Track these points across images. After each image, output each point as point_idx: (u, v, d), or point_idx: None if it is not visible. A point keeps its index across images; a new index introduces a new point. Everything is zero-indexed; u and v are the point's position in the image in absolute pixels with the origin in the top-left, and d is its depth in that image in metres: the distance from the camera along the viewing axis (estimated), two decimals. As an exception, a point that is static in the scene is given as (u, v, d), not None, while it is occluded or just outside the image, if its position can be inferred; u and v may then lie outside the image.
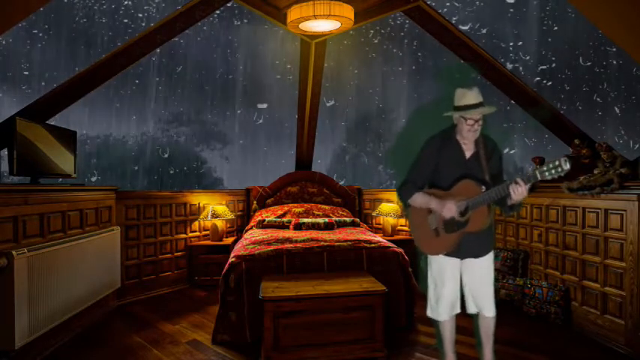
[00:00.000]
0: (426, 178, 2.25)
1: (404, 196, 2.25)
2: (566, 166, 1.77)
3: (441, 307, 2.30)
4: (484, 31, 9.31)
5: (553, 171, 1.80)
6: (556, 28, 9.07)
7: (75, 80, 3.39)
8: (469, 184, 2.11)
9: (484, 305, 2.27)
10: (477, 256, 2.23)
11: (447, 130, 2.26)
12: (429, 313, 2.38)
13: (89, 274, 3.20)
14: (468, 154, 2.20)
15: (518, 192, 1.92)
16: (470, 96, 2.09)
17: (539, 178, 1.86)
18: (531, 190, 2.00)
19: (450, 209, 2.09)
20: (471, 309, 2.33)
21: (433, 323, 2.42)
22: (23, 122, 2.89)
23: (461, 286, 2.33)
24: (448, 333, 2.37)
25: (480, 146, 2.18)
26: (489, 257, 2.27)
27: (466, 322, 2.40)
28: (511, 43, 9.25)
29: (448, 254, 2.24)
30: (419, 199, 2.21)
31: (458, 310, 2.34)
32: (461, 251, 2.21)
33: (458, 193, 2.12)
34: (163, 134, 10.26)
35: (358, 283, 2.79)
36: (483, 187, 2.09)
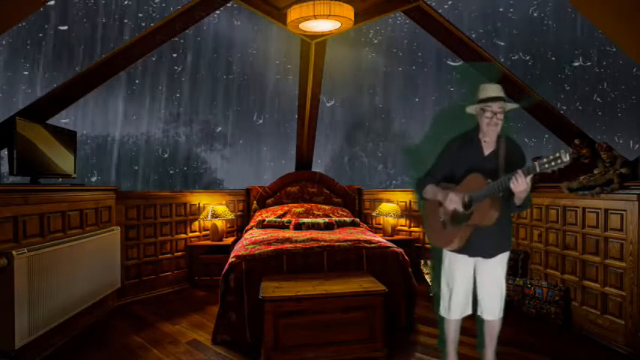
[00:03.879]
0: (444, 175, 2.30)
1: (419, 188, 2.35)
2: (566, 158, 1.72)
3: (453, 305, 2.29)
4: (483, 30, 9.31)
5: (553, 163, 1.76)
6: (556, 26, 9.07)
7: (75, 80, 3.38)
8: (476, 178, 2.11)
9: (490, 308, 2.26)
10: (486, 255, 2.22)
11: (469, 131, 2.29)
12: (442, 311, 2.36)
13: (89, 274, 3.20)
14: (486, 151, 2.21)
15: (517, 184, 1.90)
16: (490, 89, 2.15)
17: (539, 171, 1.83)
18: (531, 190, 2.00)
19: (452, 200, 2.13)
20: (479, 310, 2.32)
21: (438, 322, 2.41)
22: (23, 122, 2.89)
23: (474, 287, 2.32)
24: (453, 333, 2.37)
25: (501, 145, 2.18)
26: (500, 259, 2.25)
27: (468, 322, 2.40)
28: (510, 43, 9.25)
29: (458, 251, 2.23)
30: (430, 191, 2.30)
31: (469, 312, 2.33)
32: (470, 248, 2.20)
33: (466, 186, 2.14)
34: (163, 134, 10.27)
35: (358, 283, 2.79)
36: (489, 180, 2.07)
